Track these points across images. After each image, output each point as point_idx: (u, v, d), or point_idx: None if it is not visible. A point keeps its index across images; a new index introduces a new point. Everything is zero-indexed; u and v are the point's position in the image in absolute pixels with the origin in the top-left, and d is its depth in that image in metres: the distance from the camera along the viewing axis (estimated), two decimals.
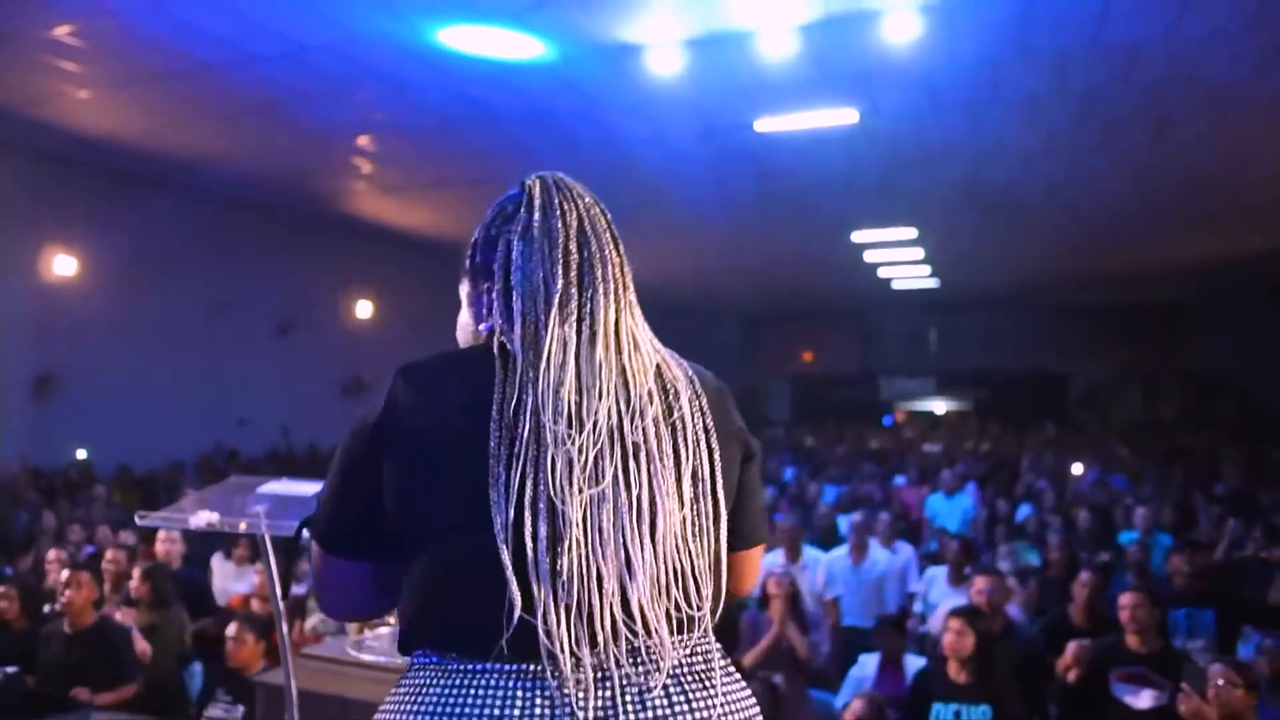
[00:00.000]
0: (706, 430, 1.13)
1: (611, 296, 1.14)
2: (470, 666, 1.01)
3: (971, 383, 22.53)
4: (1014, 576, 5.74)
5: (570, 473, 1.01)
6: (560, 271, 1.13)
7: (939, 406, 23.85)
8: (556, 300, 1.10)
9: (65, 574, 3.86)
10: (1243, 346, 19.00)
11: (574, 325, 1.10)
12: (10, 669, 3.50)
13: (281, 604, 2.23)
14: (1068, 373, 21.14)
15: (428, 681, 1.03)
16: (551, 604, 0.98)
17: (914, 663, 4.44)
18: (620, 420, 1.06)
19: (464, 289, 1.26)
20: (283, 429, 11.69)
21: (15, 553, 6.27)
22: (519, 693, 0.98)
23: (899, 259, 15.26)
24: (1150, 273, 17.13)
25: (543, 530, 1.00)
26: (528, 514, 1.00)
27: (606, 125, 8.58)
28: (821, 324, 22.91)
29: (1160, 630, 3.85)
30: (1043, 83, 7.44)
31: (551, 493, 1.01)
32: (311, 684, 2.32)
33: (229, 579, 5.68)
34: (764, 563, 5.50)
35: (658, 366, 1.14)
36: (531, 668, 0.99)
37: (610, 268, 1.16)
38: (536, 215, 1.17)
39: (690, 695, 1.04)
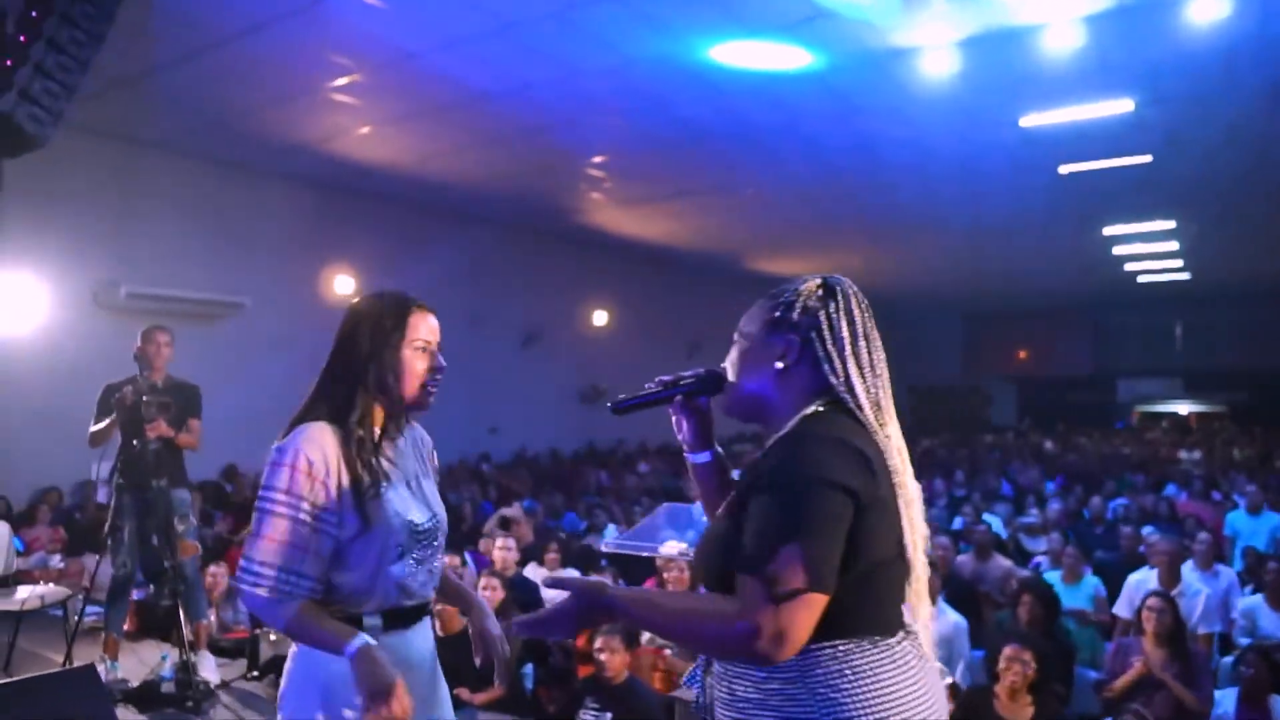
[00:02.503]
0: None
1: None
2: (891, 641, 1.43)
3: (1224, 383, 20.66)
4: None
5: (922, 515, 1.51)
6: (878, 362, 1.55)
7: (1183, 408, 22.05)
8: (882, 385, 1.53)
9: None
10: None
11: (890, 410, 1.54)
12: None
13: None
14: None
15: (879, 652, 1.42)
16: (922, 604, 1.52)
17: (1276, 702, 4.09)
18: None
19: (757, 327, 1.60)
20: (489, 429, 12.19)
21: None
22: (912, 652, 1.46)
23: (1151, 251, 14.23)
24: None
25: (924, 558, 1.50)
26: (918, 546, 1.48)
27: (860, 130, 8.47)
28: (1049, 321, 21.65)
29: None
30: None
31: (921, 531, 1.50)
32: None
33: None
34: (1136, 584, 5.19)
35: None
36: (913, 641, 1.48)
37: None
38: (856, 310, 1.57)
39: None
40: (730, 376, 1.65)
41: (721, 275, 16.09)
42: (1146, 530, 6.97)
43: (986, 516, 8.08)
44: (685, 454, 1.87)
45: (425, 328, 1.89)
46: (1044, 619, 4.78)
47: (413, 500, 1.87)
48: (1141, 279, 16.96)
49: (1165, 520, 7.77)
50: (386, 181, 10.06)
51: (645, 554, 2.41)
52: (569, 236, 12.85)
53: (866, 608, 1.40)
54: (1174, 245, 13.81)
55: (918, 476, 1.56)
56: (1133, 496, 9.06)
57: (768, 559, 1.32)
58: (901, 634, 1.45)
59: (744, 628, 1.31)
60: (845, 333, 1.54)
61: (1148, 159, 9.17)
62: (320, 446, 1.75)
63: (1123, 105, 7.71)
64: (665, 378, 1.78)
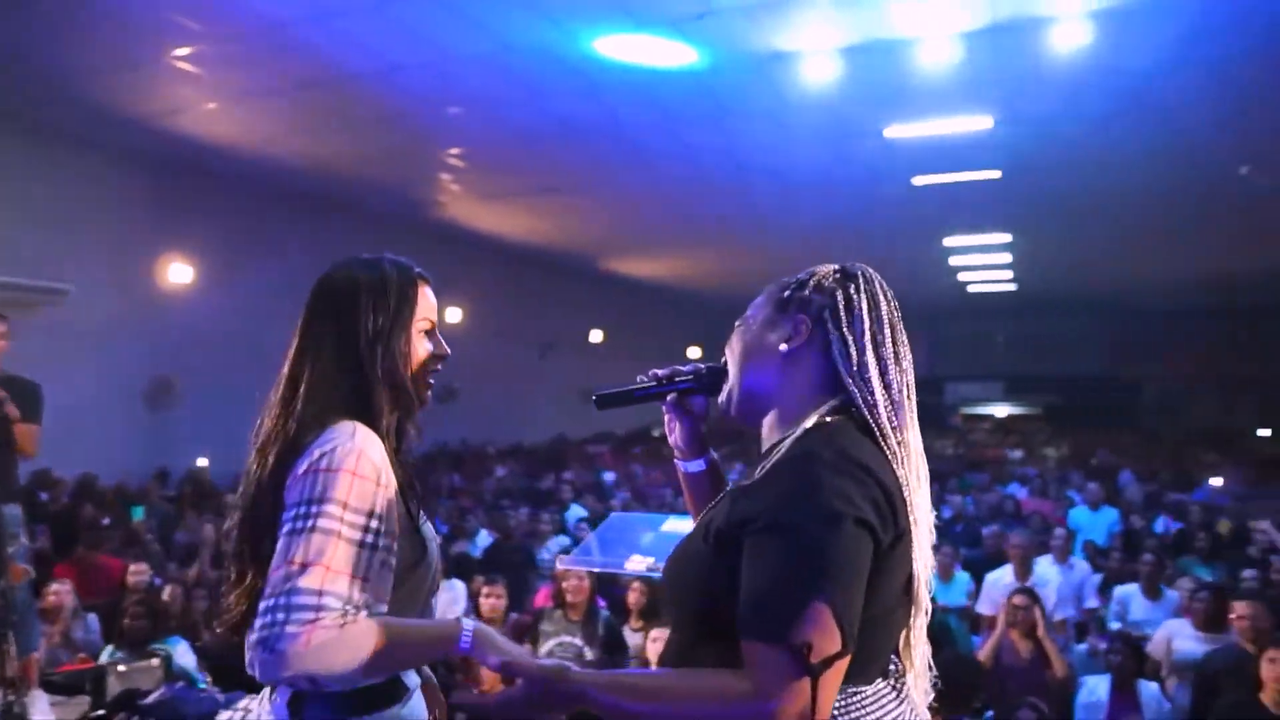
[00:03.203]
0: None
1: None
2: (866, 690, 1.23)
3: (1040, 387, 22.26)
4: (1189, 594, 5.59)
5: (929, 540, 1.28)
6: (902, 355, 1.32)
7: (1002, 410, 23.60)
8: (906, 382, 1.30)
9: None
10: None
11: (912, 415, 1.30)
12: None
13: None
14: (1142, 377, 20.82)
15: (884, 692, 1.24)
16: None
17: (1146, 687, 4.31)
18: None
19: (762, 308, 1.40)
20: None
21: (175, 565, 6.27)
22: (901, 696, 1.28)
23: (984, 263, 15.10)
24: (1230, 277, 16.84)
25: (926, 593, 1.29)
26: (924, 580, 1.27)
27: (731, 132, 8.50)
28: None
29: None
30: (1188, 93, 7.29)
31: (928, 560, 1.27)
32: None
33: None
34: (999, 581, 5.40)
35: None
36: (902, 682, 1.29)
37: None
38: (880, 294, 1.35)
39: None
40: (729, 369, 1.43)
41: (578, 275, 15.94)
42: (989, 530, 7.28)
43: None
44: (676, 461, 1.65)
45: (429, 304, 1.55)
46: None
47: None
48: (972, 288, 17.98)
49: (1011, 517, 8.19)
50: (232, 163, 9.34)
51: (611, 571, 2.22)
52: (425, 229, 12.37)
53: (859, 658, 1.15)
54: (1007, 258, 14.69)
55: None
56: (977, 495, 9.52)
57: (792, 621, 1.07)
58: (880, 680, 1.24)
59: (771, 711, 1.07)
60: (865, 314, 1.31)
61: (997, 175, 9.66)
62: (380, 450, 1.38)
63: (982, 122, 8.07)
64: (659, 371, 1.57)
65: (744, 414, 1.39)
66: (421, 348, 1.52)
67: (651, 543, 2.12)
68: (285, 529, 1.30)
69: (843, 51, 6.64)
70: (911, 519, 1.21)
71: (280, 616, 1.22)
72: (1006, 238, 13.22)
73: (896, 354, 1.31)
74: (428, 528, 1.49)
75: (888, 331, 1.32)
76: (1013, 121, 8.13)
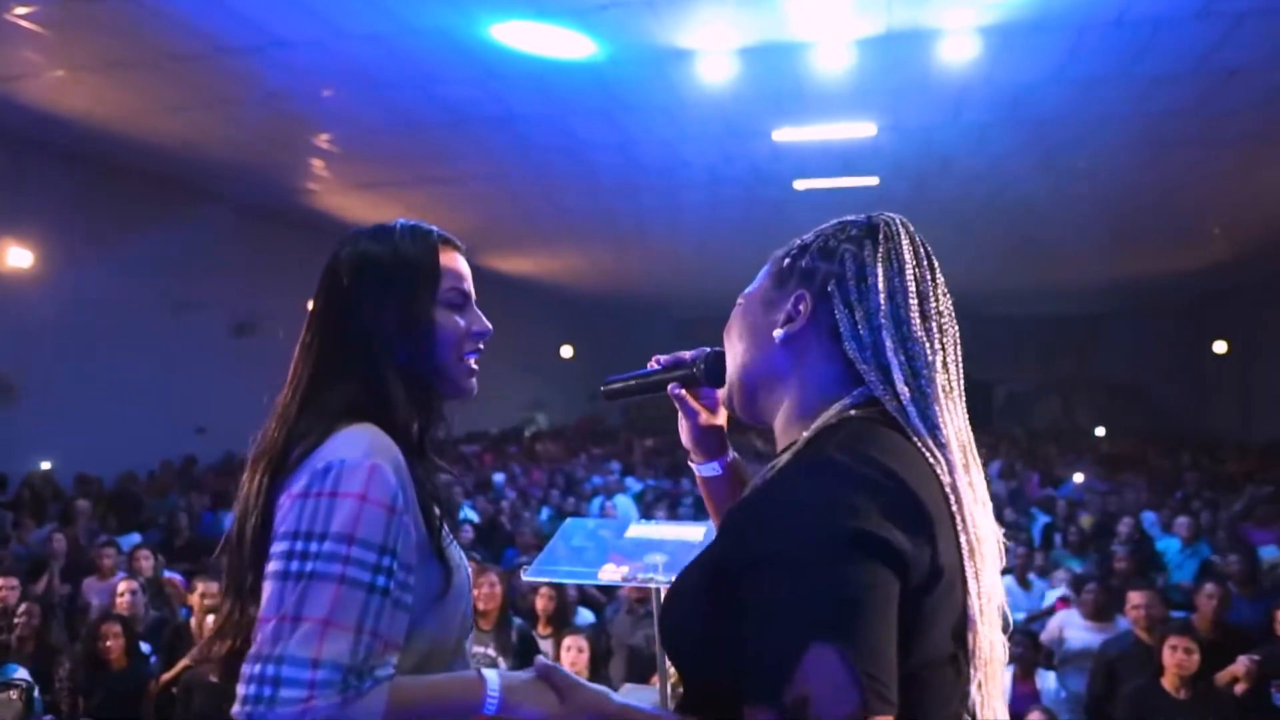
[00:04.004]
0: None
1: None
2: None
3: None
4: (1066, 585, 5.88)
5: (997, 569, 1.02)
6: (939, 341, 1.05)
7: None
8: (950, 366, 1.05)
9: (211, 618, 3.46)
10: (1152, 358, 20.26)
11: (957, 402, 1.05)
12: None
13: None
14: (993, 381, 21.98)
15: None
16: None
17: (1044, 677, 4.47)
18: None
19: (766, 284, 1.16)
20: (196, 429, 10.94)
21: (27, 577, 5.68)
22: None
23: None
24: (1072, 287, 18.01)
25: (1000, 636, 1.02)
26: (991, 620, 0.99)
27: (623, 128, 8.42)
28: None
29: None
30: (1061, 109, 7.68)
31: (994, 594, 0.99)
32: None
33: None
34: None
35: None
36: None
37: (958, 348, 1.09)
38: (908, 253, 1.06)
39: None
40: (726, 358, 1.21)
41: None
42: None
43: None
44: (690, 463, 1.42)
45: (457, 272, 1.29)
46: None
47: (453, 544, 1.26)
48: None
49: None
50: (83, 139, 8.58)
51: (583, 582, 2.08)
52: (295, 218, 11.75)
53: None
54: None
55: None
56: None
57: (788, 677, 0.83)
58: None
59: None
60: (881, 282, 1.04)
61: (875, 181, 9.94)
62: (395, 461, 1.13)
63: (866, 129, 8.27)
64: (662, 358, 1.37)
65: (748, 411, 1.17)
66: (452, 325, 1.27)
67: (621, 550, 2.00)
68: (274, 567, 1.05)
69: (740, 52, 6.66)
70: (965, 541, 0.96)
71: (267, 691, 0.99)
72: None
73: (929, 330, 1.04)
74: (455, 551, 1.24)
75: (914, 301, 1.04)
76: (895, 129, 8.37)
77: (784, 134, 8.50)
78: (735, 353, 1.18)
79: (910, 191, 10.39)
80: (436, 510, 1.20)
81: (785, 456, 1.01)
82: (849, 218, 1.15)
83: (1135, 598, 4.28)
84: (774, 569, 0.87)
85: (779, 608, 0.86)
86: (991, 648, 0.99)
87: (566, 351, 20.35)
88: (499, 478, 11.07)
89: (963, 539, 0.96)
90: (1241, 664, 3.76)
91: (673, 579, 1.86)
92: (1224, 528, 7.57)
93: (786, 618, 0.85)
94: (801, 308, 1.09)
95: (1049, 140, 8.50)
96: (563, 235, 13.61)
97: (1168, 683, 3.69)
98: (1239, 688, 3.76)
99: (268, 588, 1.05)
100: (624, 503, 9.69)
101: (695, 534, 1.99)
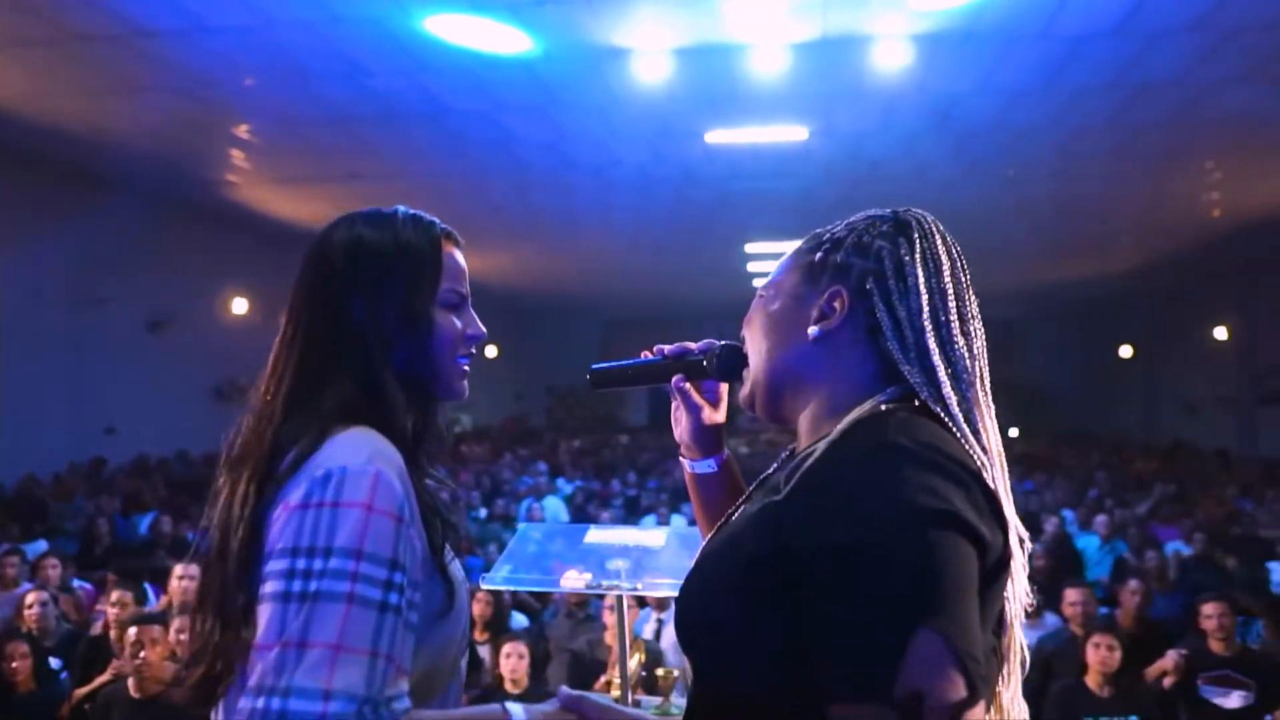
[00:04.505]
0: None
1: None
2: None
3: None
4: None
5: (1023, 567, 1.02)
6: (976, 346, 1.05)
7: None
8: (980, 367, 1.04)
9: (134, 630, 3.27)
10: (1063, 362, 20.99)
11: (991, 408, 1.05)
12: None
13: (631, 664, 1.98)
14: None
15: None
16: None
17: None
18: None
19: (788, 275, 1.13)
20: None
21: None
22: None
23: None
24: (990, 292, 18.50)
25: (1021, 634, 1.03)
26: (1019, 614, 1.00)
27: (557, 126, 8.34)
28: (682, 329, 23.17)
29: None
30: (988, 118, 7.87)
31: (1021, 594, 1.00)
32: None
33: None
34: None
35: None
36: None
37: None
38: (943, 251, 1.07)
39: None
40: (750, 354, 1.17)
41: None
42: None
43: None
44: (681, 459, 1.37)
45: (458, 269, 1.21)
46: None
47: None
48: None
49: None
50: None
51: (544, 590, 2.01)
52: (213, 211, 11.35)
53: None
54: None
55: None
56: None
57: (892, 668, 0.79)
58: None
59: None
60: (921, 280, 1.03)
61: (805, 184, 10.04)
62: (399, 469, 1.03)
63: (798, 133, 8.35)
64: (666, 348, 1.31)
65: (772, 408, 1.13)
66: (449, 326, 1.19)
67: (580, 557, 1.95)
68: (273, 588, 0.95)
69: (676, 52, 6.65)
70: (1013, 538, 0.95)
71: None
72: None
73: (967, 333, 1.04)
74: (455, 567, 1.15)
75: (952, 303, 1.04)
76: (827, 134, 8.47)
77: (717, 136, 8.53)
78: (761, 348, 1.14)
79: (838, 195, 10.52)
80: (438, 523, 1.11)
81: (821, 446, 0.97)
82: (874, 212, 1.13)
83: (1072, 594, 4.39)
84: (859, 555, 0.83)
85: (872, 595, 0.82)
86: (1022, 649, 1.00)
87: (491, 351, 20.12)
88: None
89: (1012, 536, 0.95)
90: (1170, 658, 3.89)
91: (642, 584, 1.82)
92: (1134, 525, 7.86)
93: (881, 604, 0.82)
94: (837, 305, 1.06)
95: (975, 149, 8.71)
96: (492, 234, 13.43)
97: (1091, 681, 3.79)
98: (1168, 681, 3.89)
99: (266, 610, 0.94)
100: (553, 504, 9.61)
101: (655, 539, 1.95)
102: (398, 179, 10.24)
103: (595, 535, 1.99)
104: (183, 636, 3.71)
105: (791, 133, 8.38)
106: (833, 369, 1.06)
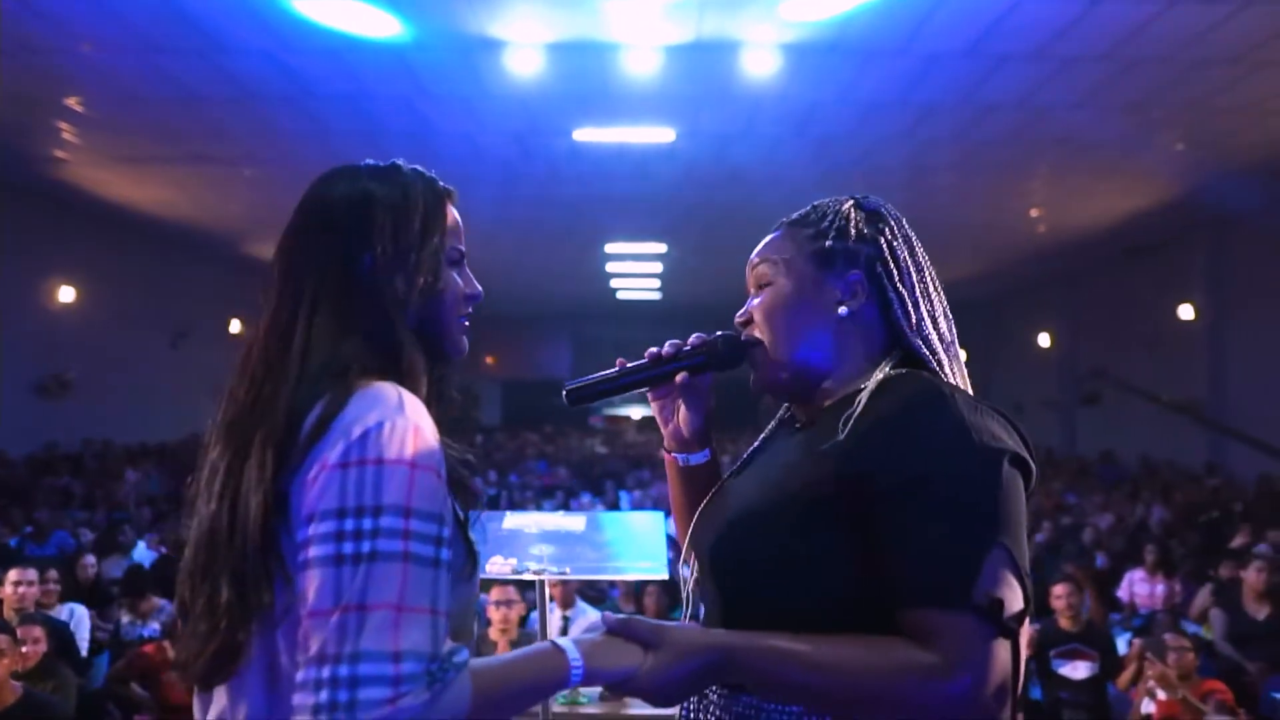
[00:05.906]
0: None
1: None
2: None
3: None
4: None
5: None
6: (946, 306, 1.25)
7: (638, 412, 25.08)
8: (954, 340, 1.25)
9: None
10: None
11: (962, 365, 1.24)
12: None
13: None
14: None
15: None
16: None
17: None
18: None
19: (800, 262, 1.24)
20: None
21: None
22: None
23: (637, 271, 15.88)
24: None
25: None
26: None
27: (422, 116, 8.15)
28: (535, 327, 23.22)
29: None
30: (846, 127, 8.21)
31: None
32: None
33: None
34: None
35: None
36: None
37: None
38: (912, 237, 1.26)
39: None
40: (763, 336, 1.23)
41: (217, 257, 14.40)
42: None
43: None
44: (673, 455, 1.38)
45: (459, 228, 1.17)
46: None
47: None
48: (620, 295, 18.88)
49: None
50: None
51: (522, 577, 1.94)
52: (35, 191, 10.48)
53: None
54: (658, 267, 15.57)
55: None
56: (644, 491, 9.98)
57: (973, 579, 0.95)
58: None
59: (968, 685, 0.93)
60: (910, 265, 1.22)
61: (668, 186, 10.18)
62: (430, 425, 0.98)
63: (666, 134, 8.47)
64: (659, 350, 1.30)
65: (797, 386, 1.23)
66: (454, 284, 1.14)
67: (501, 543, 1.91)
68: (321, 551, 0.89)
69: (550, 47, 6.63)
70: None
71: (343, 695, 0.84)
72: (661, 248, 14.00)
73: (944, 305, 1.24)
74: (478, 529, 1.12)
75: (930, 280, 1.23)
76: (692, 136, 8.62)
77: (585, 134, 8.54)
78: (785, 334, 1.23)
79: (701, 198, 10.75)
80: (461, 484, 1.05)
81: (862, 401, 1.11)
82: (845, 198, 1.27)
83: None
84: (937, 485, 0.99)
85: (951, 517, 0.98)
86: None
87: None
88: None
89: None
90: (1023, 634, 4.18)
91: (571, 569, 1.80)
92: None
93: (960, 526, 0.98)
94: (858, 288, 1.21)
95: (831, 157, 9.06)
96: None
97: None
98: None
99: (316, 576, 0.89)
100: None
101: (575, 524, 1.94)
102: (249, 163, 9.76)
103: (512, 521, 1.96)
104: (25, 649, 3.42)
105: (659, 134, 8.49)
106: (854, 343, 1.21)
